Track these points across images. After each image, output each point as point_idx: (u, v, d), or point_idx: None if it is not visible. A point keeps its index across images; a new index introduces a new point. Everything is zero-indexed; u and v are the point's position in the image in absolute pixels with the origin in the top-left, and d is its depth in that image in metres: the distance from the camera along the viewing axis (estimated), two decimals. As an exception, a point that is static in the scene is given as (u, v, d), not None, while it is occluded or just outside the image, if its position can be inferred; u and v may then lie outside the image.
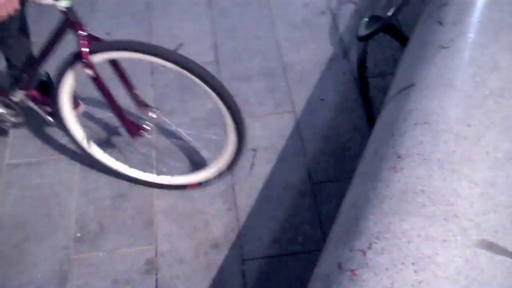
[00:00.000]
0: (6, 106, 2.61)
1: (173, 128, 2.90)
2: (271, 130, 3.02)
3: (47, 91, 2.44)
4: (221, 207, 2.71)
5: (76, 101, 2.65)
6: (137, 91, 2.43)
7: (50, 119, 2.54)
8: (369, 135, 2.09)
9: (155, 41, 3.49)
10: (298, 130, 3.03)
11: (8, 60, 2.52)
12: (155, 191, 2.77)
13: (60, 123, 2.50)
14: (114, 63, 2.27)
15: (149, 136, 2.51)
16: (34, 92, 2.54)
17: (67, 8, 2.03)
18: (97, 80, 2.19)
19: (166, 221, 2.68)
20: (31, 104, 2.58)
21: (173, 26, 3.60)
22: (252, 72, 3.31)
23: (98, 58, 2.15)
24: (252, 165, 2.86)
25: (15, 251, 2.56)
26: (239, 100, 3.11)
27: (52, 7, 1.99)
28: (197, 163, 2.87)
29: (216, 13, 3.70)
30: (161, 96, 2.95)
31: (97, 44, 2.13)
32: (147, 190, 2.78)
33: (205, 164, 2.79)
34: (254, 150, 2.93)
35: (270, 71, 3.32)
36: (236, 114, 2.20)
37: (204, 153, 2.85)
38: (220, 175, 2.56)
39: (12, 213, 2.72)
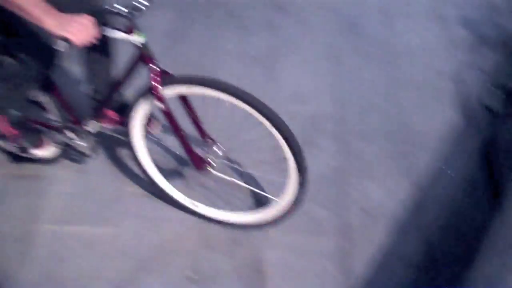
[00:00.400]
0: (80, 136, 2.73)
1: (237, 165, 2.91)
2: (387, 194, 2.97)
3: (124, 113, 2.51)
4: (330, 268, 2.67)
5: (151, 119, 2.72)
6: (204, 126, 2.50)
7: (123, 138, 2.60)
8: (493, 209, 2.00)
9: (274, 88, 3.53)
10: (416, 198, 2.96)
11: (92, 84, 2.70)
12: (265, 240, 2.77)
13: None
14: (183, 97, 2.34)
15: (213, 171, 2.56)
16: (111, 113, 2.64)
17: (142, 43, 2.11)
18: (167, 113, 2.27)
19: (276, 275, 2.66)
20: (105, 129, 2.68)
21: (293, 76, 3.63)
22: (371, 131, 3.28)
23: (168, 91, 2.24)
24: (361, 226, 2.82)
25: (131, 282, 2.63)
26: (354, 157, 3.10)
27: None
28: (260, 202, 2.87)
29: (338, 66, 3.71)
30: (226, 131, 2.96)
31: (168, 78, 2.21)
32: (256, 239, 2.78)
33: (268, 202, 2.78)
34: (364, 210, 2.88)
35: (390, 131, 3.28)
36: (297, 151, 2.20)
37: (267, 191, 2.85)
38: (284, 215, 2.52)
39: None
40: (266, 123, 2.14)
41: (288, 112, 3.13)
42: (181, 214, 2.83)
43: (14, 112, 2.52)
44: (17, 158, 2.96)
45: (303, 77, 3.62)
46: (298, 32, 3.99)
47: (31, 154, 2.90)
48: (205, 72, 3.67)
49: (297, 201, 2.42)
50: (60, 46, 1.80)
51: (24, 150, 2.87)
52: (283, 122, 2.15)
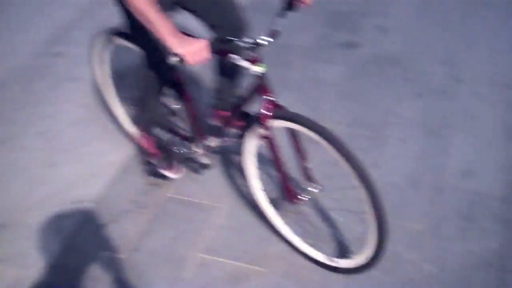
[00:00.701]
0: (202, 149, 2.99)
1: (327, 207, 2.95)
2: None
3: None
4: None
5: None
6: (307, 163, 2.56)
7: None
8: None
9: (441, 157, 3.41)
10: None
11: (217, 101, 3.01)
12: None
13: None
14: (292, 131, 2.45)
15: (302, 207, 2.77)
16: (231, 128, 2.79)
17: (261, 74, 2.29)
18: (271, 142, 2.43)
19: None
20: (223, 145, 2.93)
21: (463, 149, 3.50)
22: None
23: (276, 123, 2.38)
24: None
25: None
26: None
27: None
28: (343, 247, 2.81)
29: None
30: (327, 174, 2.84)
31: (278, 111, 2.36)
32: None
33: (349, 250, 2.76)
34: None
35: None
36: (379, 208, 2.24)
37: (348, 241, 2.83)
38: (367, 265, 2.50)
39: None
40: (357, 180, 2.22)
41: (452, 185, 3.02)
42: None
43: (161, 136, 3.05)
44: (153, 172, 3.27)
45: (474, 151, 3.48)
46: (473, 104, 3.86)
47: (162, 172, 3.21)
48: (373, 130, 3.67)
49: (374, 259, 2.42)
50: (173, 61, 2.06)
51: (157, 167, 3.21)
52: (373, 183, 2.21)
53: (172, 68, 2.64)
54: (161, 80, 2.73)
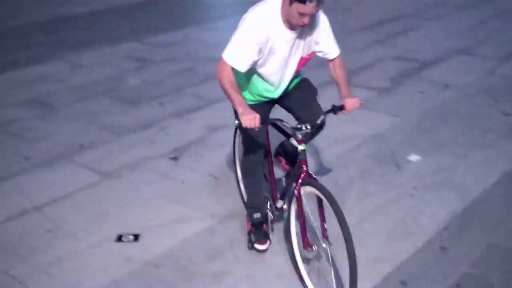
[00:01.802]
0: (274, 211, 3.77)
1: (328, 264, 3.18)
2: None
3: None
4: None
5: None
6: (325, 224, 3.09)
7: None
8: None
9: None
10: None
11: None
12: None
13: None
14: (319, 197, 3.06)
15: (311, 255, 3.38)
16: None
17: (302, 150, 3.11)
18: (298, 199, 3.17)
19: None
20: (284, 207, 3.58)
21: None
22: None
23: (306, 189, 3.12)
24: None
25: None
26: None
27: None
28: None
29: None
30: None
31: (309, 180, 3.09)
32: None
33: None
34: None
35: None
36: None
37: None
38: None
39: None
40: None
41: None
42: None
43: (256, 216, 3.69)
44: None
45: None
46: None
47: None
48: None
49: None
50: (236, 122, 3.00)
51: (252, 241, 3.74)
52: (351, 242, 2.80)
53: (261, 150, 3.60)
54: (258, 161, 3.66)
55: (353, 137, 5.23)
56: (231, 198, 4.27)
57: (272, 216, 3.78)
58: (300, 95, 3.51)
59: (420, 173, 4.58)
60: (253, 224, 3.73)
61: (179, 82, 6.89)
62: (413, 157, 4.83)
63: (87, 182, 4.58)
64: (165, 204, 4.25)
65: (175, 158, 4.96)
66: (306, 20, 2.90)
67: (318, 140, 5.11)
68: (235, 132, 4.06)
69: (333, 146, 5.07)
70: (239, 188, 4.22)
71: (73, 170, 4.80)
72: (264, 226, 3.72)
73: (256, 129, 2.93)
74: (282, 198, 3.60)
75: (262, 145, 3.54)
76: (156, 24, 9.48)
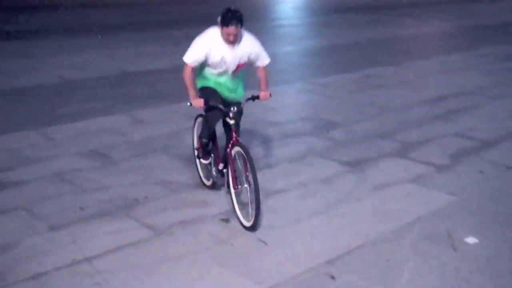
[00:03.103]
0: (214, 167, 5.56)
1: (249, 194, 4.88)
2: None
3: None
4: None
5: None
6: (248, 173, 4.79)
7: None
8: None
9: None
10: None
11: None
12: None
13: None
14: (242, 154, 4.85)
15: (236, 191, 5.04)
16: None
17: (233, 124, 4.95)
18: (230, 158, 5.01)
19: None
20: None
21: None
22: None
23: (235, 149, 4.95)
24: None
25: None
26: None
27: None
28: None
29: None
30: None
31: (236, 143, 4.91)
32: None
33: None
34: None
35: None
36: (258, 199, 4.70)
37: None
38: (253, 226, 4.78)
39: None
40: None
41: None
42: None
43: (205, 141, 5.39)
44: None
45: None
46: None
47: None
48: None
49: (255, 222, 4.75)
50: (188, 104, 4.95)
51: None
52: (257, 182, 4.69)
53: (213, 124, 5.28)
54: (210, 130, 5.34)
55: (408, 213, 5.11)
56: (280, 266, 4.22)
57: (216, 177, 5.50)
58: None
59: (478, 257, 4.41)
60: (201, 145, 5.46)
61: (236, 143, 6.97)
62: (471, 240, 4.67)
63: (139, 237, 4.63)
64: (212, 266, 4.23)
65: (226, 220, 4.96)
66: (231, 38, 4.78)
67: (371, 213, 5.07)
68: (195, 120, 5.77)
69: (388, 220, 4.98)
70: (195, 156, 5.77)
71: (126, 224, 4.86)
72: (209, 147, 5.44)
73: (202, 108, 5.08)
74: (222, 161, 5.32)
75: (213, 123, 5.25)
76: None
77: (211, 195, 5.47)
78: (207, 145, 5.40)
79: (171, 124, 7.69)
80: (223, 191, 5.51)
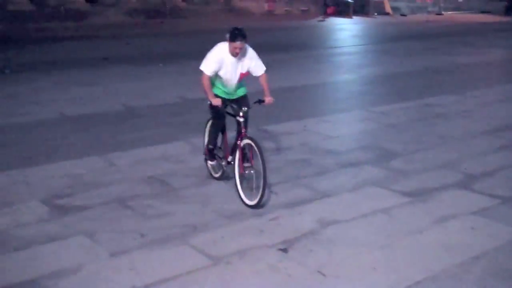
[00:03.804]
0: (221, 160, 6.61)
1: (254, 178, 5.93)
2: None
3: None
4: None
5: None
6: (253, 161, 5.91)
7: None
8: None
9: None
10: None
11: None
12: None
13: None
14: (251, 145, 5.91)
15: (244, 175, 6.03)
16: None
17: (242, 121, 6.04)
18: (239, 149, 6.02)
19: None
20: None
21: None
22: None
23: (244, 141, 5.99)
24: None
25: None
26: None
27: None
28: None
29: None
30: None
31: (245, 136, 5.98)
32: None
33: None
34: None
35: None
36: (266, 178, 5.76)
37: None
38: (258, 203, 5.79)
39: None
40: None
41: None
42: None
43: (210, 146, 6.45)
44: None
45: None
46: None
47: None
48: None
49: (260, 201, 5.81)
50: (209, 103, 6.06)
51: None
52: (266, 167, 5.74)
53: (222, 120, 6.33)
54: (216, 133, 6.43)
55: (473, 247, 4.95)
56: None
57: (225, 168, 6.54)
58: (241, 100, 6.26)
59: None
60: (208, 150, 6.53)
61: (294, 172, 6.94)
62: (540, 277, 4.47)
63: (197, 265, 4.65)
64: (270, 297, 4.20)
65: (284, 250, 4.92)
66: (237, 51, 5.88)
67: (434, 246, 4.93)
68: (206, 124, 6.70)
69: (451, 254, 4.84)
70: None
71: (185, 252, 4.90)
72: (215, 151, 6.51)
73: (219, 107, 6.02)
74: (231, 154, 6.30)
75: (223, 119, 6.32)
76: (275, 113, 9.74)
77: (269, 225, 5.44)
78: (213, 150, 6.49)
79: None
80: (281, 220, 5.50)
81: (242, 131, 6.01)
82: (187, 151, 7.83)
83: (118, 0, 30.12)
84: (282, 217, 5.59)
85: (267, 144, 8.05)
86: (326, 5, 36.45)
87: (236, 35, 5.76)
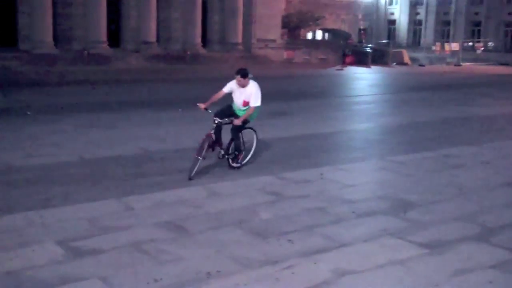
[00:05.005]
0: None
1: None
2: None
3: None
4: None
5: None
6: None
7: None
8: None
9: None
10: None
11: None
12: None
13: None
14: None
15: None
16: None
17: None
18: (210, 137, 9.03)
19: None
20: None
21: None
22: None
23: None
24: None
25: None
26: None
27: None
28: None
29: None
30: None
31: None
32: None
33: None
34: None
35: None
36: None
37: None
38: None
39: None
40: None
41: None
42: None
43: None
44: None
45: None
46: None
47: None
48: None
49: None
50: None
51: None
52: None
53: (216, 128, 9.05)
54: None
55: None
56: None
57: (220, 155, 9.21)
58: (237, 116, 8.95)
59: None
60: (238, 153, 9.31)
61: (310, 220, 6.91)
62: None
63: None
64: None
65: (298, 300, 4.87)
66: (239, 82, 8.82)
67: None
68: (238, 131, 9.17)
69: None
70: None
71: (197, 298, 4.86)
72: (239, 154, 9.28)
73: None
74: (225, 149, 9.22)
75: (215, 127, 9.00)
76: (293, 160, 9.77)
77: (283, 273, 5.39)
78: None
79: (246, 198, 7.74)
80: (297, 268, 5.45)
81: (210, 132, 8.91)
82: (204, 196, 7.84)
83: (140, 46, 30.79)
84: (297, 266, 5.54)
85: (284, 191, 8.05)
86: (344, 55, 36.88)
87: (237, 72, 8.86)
